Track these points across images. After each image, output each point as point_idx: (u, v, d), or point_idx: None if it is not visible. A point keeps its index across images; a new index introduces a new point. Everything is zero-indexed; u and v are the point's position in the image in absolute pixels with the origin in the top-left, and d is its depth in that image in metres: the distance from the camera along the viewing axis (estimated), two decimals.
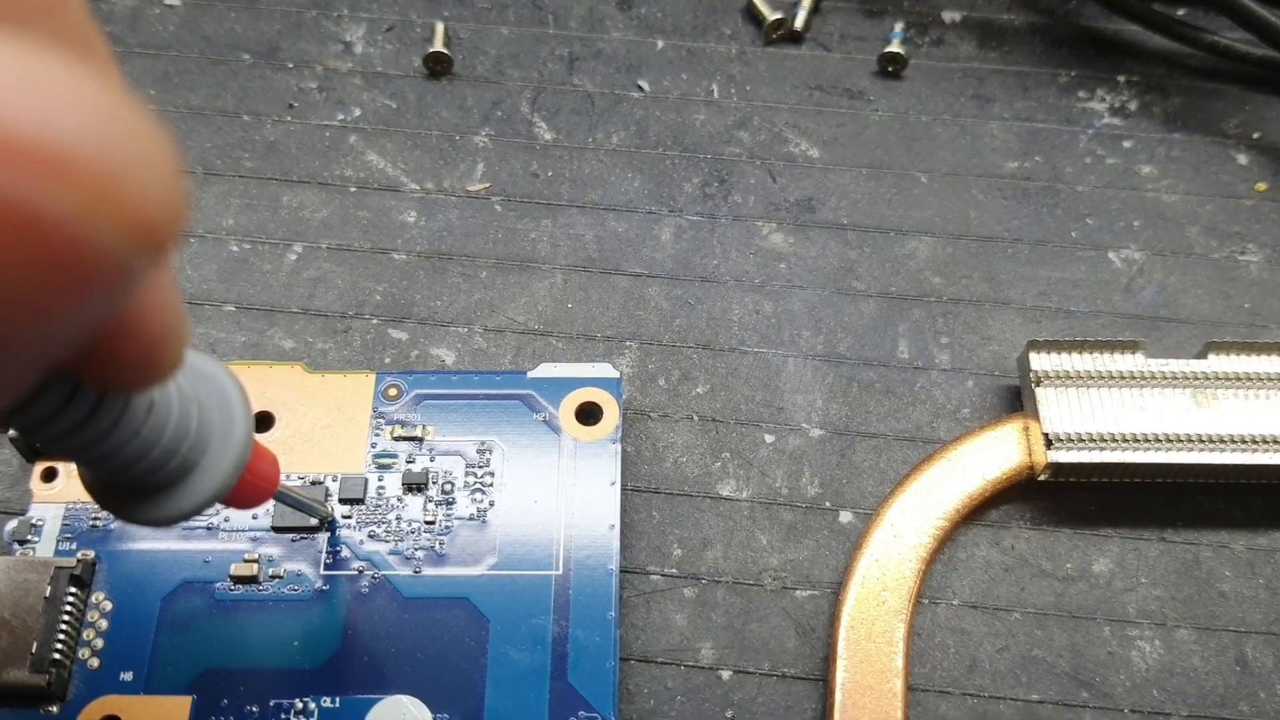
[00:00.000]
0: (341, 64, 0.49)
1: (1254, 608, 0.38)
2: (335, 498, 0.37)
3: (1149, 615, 0.38)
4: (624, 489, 0.38)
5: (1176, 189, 0.47)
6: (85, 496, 0.36)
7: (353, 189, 0.46)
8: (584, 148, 0.47)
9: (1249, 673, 0.37)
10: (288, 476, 0.37)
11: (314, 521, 0.36)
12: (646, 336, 0.43)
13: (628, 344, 0.43)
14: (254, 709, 0.33)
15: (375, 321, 0.43)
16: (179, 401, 0.24)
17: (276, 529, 0.36)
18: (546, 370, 0.39)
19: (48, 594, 0.34)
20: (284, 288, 0.44)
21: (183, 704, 0.33)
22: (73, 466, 0.37)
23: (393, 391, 0.39)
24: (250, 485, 0.27)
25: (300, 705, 0.34)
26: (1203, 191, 0.47)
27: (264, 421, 0.38)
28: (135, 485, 0.24)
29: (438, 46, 0.48)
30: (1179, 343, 0.43)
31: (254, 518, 0.37)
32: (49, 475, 0.37)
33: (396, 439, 0.38)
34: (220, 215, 0.45)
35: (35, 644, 0.33)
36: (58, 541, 0.36)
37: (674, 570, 0.39)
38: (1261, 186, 0.47)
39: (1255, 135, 0.48)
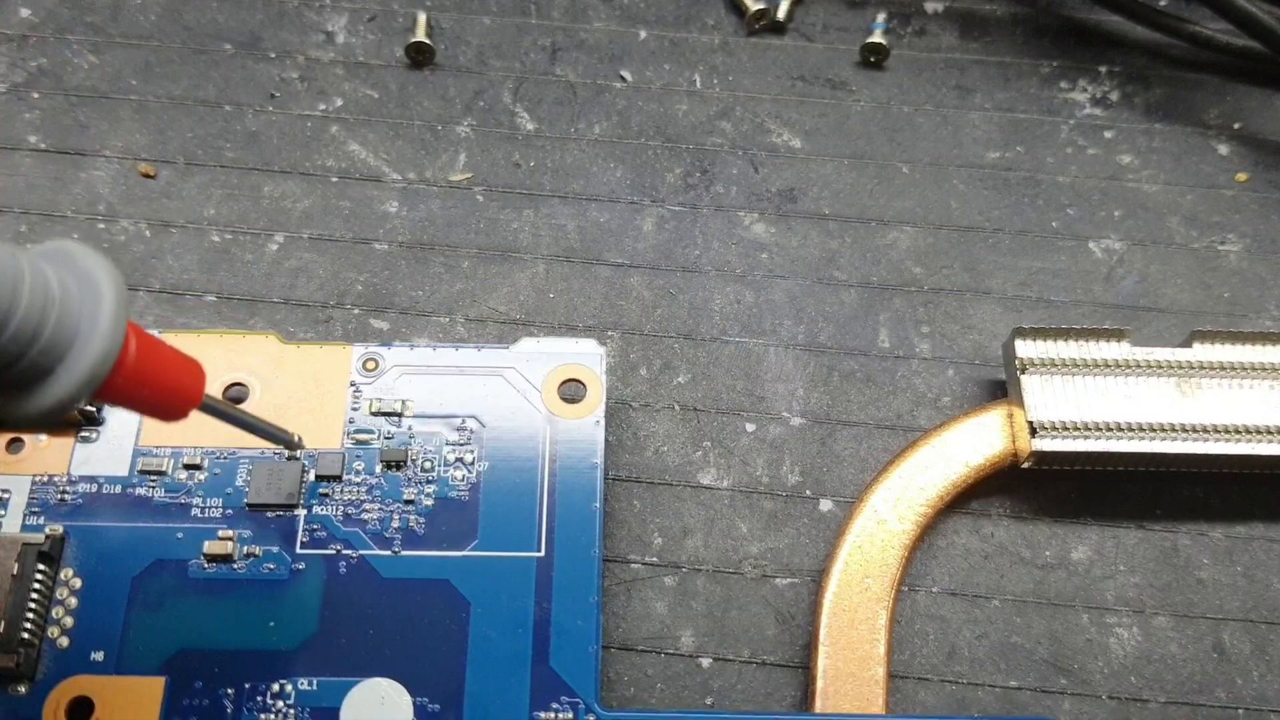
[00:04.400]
0: (323, 54, 0.49)
1: (1232, 595, 0.38)
2: (312, 474, 0.37)
3: (1127, 603, 0.38)
4: (605, 477, 0.38)
5: (1157, 179, 0.47)
6: (53, 468, 0.36)
7: (334, 179, 0.46)
8: (566, 138, 0.47)
9: (1226, 659, 0.37)
10: (262, 452, 0.37)
11: (281, 446, 0.35)
12: (628, 326, 0.43)
13: (609, 334, 0.43)
14: (229, 691, 0.33)
15: (357, 311, 0.43)
16: (30, 282, 0.24)
17: (252, 506, 0.36)
18: (529, 345, 0.39)
19: (15, 572, 0.33)
20: (265, 278, 0.43)
21: (155, 685, 0.33)
22: (41, 437, 0.37)
23: (371, 364, 0.38)
24: (145, 384, 0.27)
25: (277, 688, 0.33)
26: (1183, 182, 0.47)
27: (238, 393, 0.38)
28: (3, 378, 0.24)
29: (420, 36, 0.48)
30: (1159, 332, 0.43)
31: (228, 492, 0.36)
32: (15, 445, 0.37)
33: (375, 414, 0.38)
34: (201, 205, 0.45)
35: (3, 623, 0.33)
36: (25, 515, 0.36)
37: (655, 559, 0.39)
38: (1242, 177, 0.47)
39: (1236, 126, 0.48)
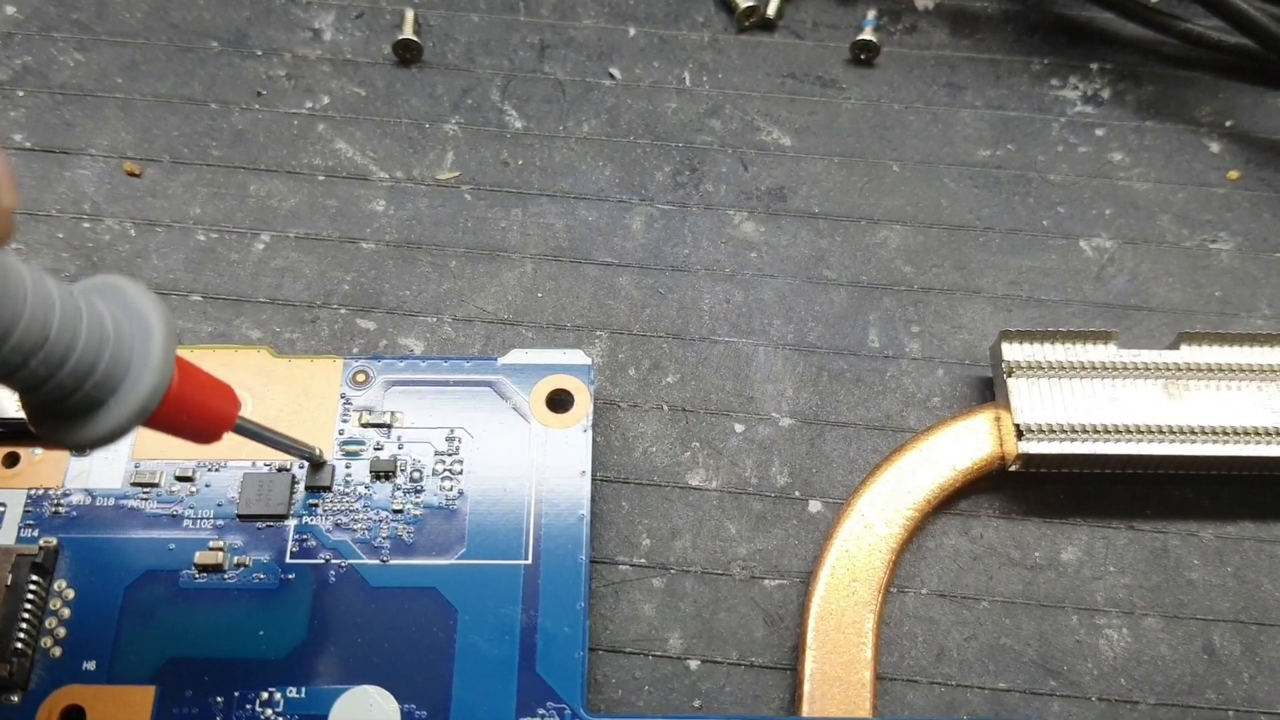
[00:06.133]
0: (310, 51, 0.48)
1: (1222, 596, 0.39)
2: (302, 485, 0.37)
3: (1117, 604, 0.38)
4: (593, 479, 0.38)
5: (1148, 177, 0.47)
6: (48, 481, 0.36)
7: (321, 177, 0.46)
8: (554, 136, 0.47)
9: (1216, 661, 0.37)
10: (253, 464, 0.37)
11: (304, 461, 0.37)
12: (617, 326, 0.43)
13: (598, 333, 0.43)
14: (219, 699, 0.33)
15: (343, 311, 0.43)
16: (87, 319, 0.26)
17: (242, 516, 0.36)
18: (517, 356, 0.39)
19: (9, 582, 0.34)
20: (251, 277, 0.43)
21: (146, 694, 0.33)
22: (37, 451, 0.37)
23: (361, 377, 0.39)
24: (186, 411, 0.28)
25: (266, 696, 0.33)
26: (1175, 180, 0.47)
27: None
28: (59, 408, 0.26)
29: (407, 34, 0.48)
30: (1149, 331, 0.43)
31: (219, 505, 0.36)
32: (11, 460, 0.37)
33: (364, 425, 0.38)
34: (187, 204, 0.45)
35: None
36: (20, 528, 0.36)
37: (643, 560, 0.39)
38: (1233, 175, 0.47)
39: (1228, 123, 0.48)
